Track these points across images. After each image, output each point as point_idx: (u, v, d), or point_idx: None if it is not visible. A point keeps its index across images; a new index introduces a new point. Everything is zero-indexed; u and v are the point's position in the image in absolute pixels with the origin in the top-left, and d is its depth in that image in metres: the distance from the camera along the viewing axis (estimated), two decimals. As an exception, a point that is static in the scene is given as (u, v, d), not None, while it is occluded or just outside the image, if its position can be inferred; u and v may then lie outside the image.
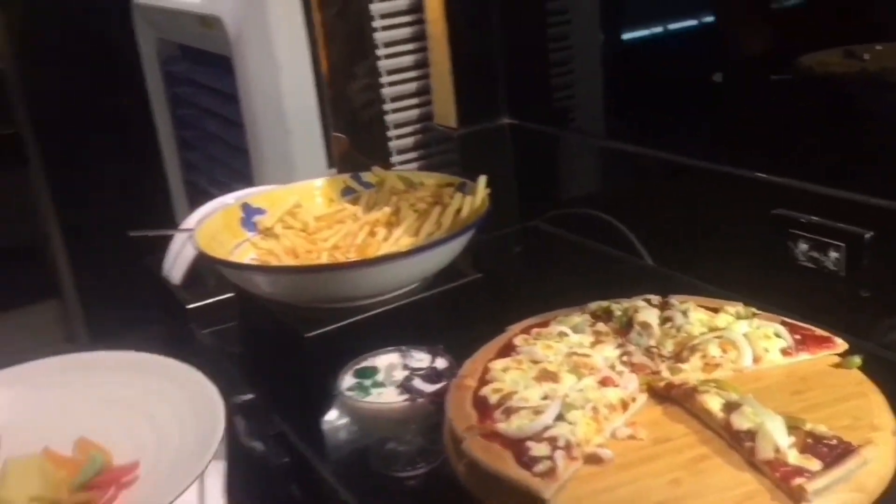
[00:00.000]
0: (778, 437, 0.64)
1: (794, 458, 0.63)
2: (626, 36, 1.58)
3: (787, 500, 0.61)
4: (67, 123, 2.17)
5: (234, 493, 0.94)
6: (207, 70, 1.82)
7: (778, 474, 0.62)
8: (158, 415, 0.82)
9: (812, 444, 0.64)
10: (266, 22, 1.54)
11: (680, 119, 1.37)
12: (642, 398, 0.74)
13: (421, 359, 0.90)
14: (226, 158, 1.83)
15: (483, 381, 0.75)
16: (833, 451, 0.63)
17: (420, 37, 1.62)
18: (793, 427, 0.65)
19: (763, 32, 1.47)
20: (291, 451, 0.98)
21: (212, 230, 1.12)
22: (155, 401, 0.83)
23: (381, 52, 1.60)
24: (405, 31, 1.62)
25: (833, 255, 1.13)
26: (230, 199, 1.26)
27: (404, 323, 1.03)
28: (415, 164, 1.65)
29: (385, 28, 1.60)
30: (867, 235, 1.08)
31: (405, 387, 0.87)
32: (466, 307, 1.07)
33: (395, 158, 1.62)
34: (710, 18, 1.49)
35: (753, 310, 0.85)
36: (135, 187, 2.01)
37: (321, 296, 1.03)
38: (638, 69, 1.51)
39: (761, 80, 1.36)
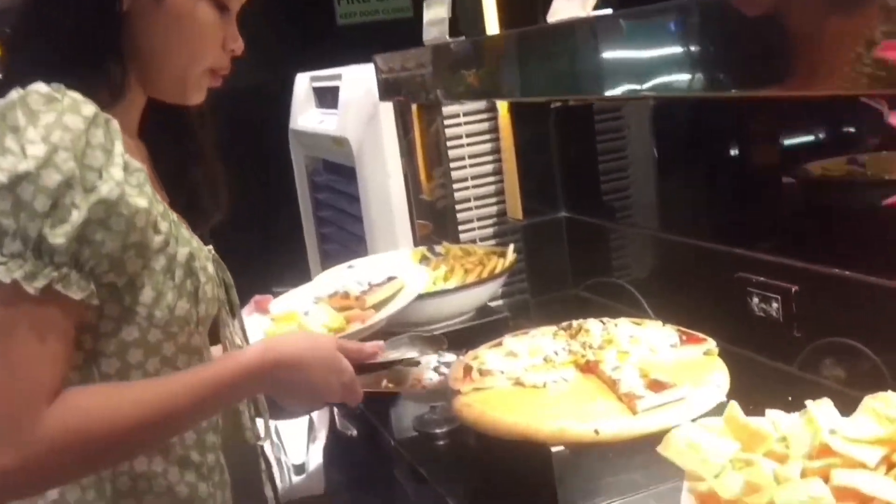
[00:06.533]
0: (633, 380, 1.06)
1: (640, 391, 1.04)
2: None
3: (630, 413, 1.02)
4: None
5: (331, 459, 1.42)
6: (339, 178, 2.40)
7: (628, 399, 1.04)
8: None
9: (654, 384, 1.05)
10: (380, 141, 2.10)
11: (690, 212, 1.81)
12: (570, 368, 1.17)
13: (449, 357, 1.36)
14: (349, 243, 2.38)
15: (473, 358, 1.21)
16: (662, 388, 1.04)
17: (496, 151, 2.13)
18: (643, 375, 1.07)
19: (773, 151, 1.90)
20: (366, 424, 1.45)
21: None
22: None
23: (466, 162, 2.11)
24: (485, 147, 2.13)
25: (774, 305, 1.51)
26: (344, 266, 1.78)
27: (453, 338, 1.49)
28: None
29: (469, 144, 2.12)
30: (794, 289, 1.47)
31: (437, 371, 1.32)
32: (495, 332, 1.52)
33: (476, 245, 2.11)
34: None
35: (661, 322, 1.26)
36: (283, 266, 2.59)
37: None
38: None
39: (771, 182, 1.79)
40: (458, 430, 1.30)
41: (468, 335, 1.50)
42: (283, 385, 0.98)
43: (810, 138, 1.83)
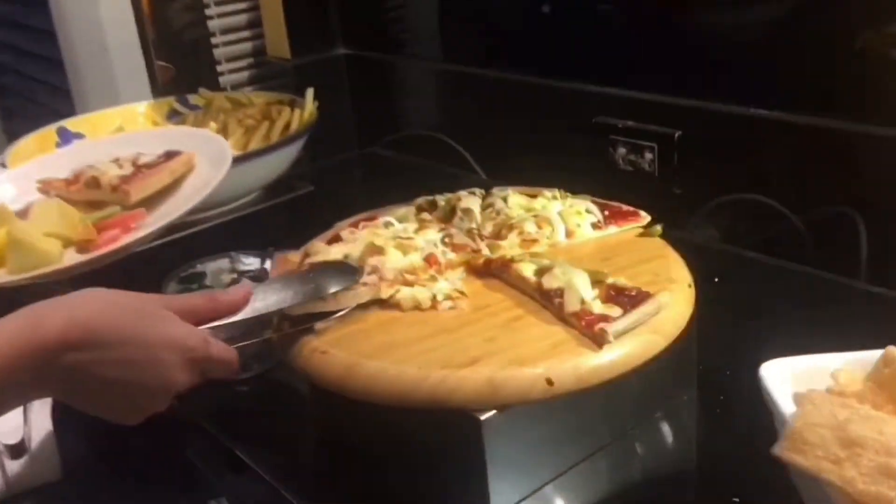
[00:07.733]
0: (583, 290, 0.68)
1: (598, 307, 0.67)
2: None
3: (592, 345, 0.65)
4: None
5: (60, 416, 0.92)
6: (18, 8, 1.72)
7: (583, 322, 0.66)
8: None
9: (614, 294, 0.69)
10: (80, -52, 1.47)
11: (511, 44, 1.41)
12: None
13: (250, 262, 0.90)
14: (46, 100, 1.74)
15: (306, 257, 0.76)
16: (632, 300, 0.68)
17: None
18: (596, 281, 0.70)
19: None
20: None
21: (25, 153, 1.06)
22: None
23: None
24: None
25: (647, 155, 1.20)
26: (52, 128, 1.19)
27: (238, 233, 1.02)
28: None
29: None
30: (676, 135, 1.16)
31: (234, 288, 0.86)
32: (300, 217, 1.07)
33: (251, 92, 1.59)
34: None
35: (567, 193, 0.89)
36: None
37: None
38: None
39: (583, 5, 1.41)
40: (275, 370, 0.86)
41: (263, 226, 1.04)
42: (81, 380, 0.55)
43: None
